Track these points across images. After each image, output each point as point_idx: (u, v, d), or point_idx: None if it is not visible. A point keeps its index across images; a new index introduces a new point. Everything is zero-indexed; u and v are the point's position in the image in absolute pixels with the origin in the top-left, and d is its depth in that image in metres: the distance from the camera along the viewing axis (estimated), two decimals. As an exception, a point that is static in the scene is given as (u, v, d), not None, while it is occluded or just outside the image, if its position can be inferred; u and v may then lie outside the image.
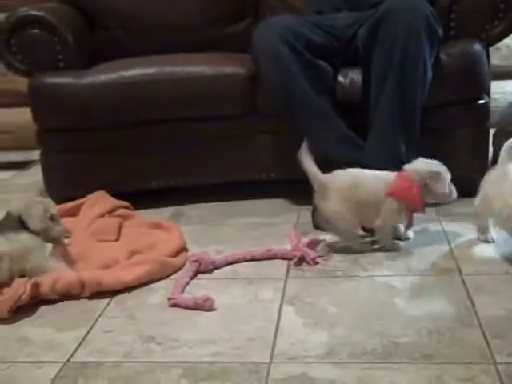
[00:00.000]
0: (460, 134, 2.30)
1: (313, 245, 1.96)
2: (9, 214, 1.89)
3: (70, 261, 1.94)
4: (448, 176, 1.94)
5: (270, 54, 2.21)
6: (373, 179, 1.95)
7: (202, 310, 1.68)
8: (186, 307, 1.70)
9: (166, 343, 1.55)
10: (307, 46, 2.20)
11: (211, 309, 1.69)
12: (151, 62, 2.50)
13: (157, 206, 2.49)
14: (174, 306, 1.72)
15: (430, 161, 1.95)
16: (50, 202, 1.97)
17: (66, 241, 2.16)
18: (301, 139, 2.26)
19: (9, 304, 1.70)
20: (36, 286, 1.76)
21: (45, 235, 1.90)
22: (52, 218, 1.91)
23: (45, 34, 2.47)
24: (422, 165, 1.94)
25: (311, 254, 1.91)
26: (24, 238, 1.85)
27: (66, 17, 2.62)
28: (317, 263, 1.91)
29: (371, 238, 2.04)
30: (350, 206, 1.92)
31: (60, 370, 1.47)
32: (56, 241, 1.95)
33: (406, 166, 1.95)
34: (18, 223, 1.87)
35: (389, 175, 1.96)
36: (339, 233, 2.00)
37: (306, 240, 1.97)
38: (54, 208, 1.96)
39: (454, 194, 1.96)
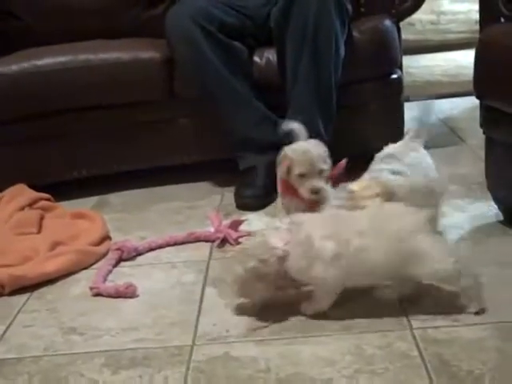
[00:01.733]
0: (374, 109, 2.34)
1: (235, 225, 1.97)
2: None
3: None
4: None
5: (183, 37, 2.20)
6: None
7: (125, 297, 1.67)
8: (109, 296, 1.69)
9: (88, 333, 1.54)
10: (220, 28, 2.20)
11: (133, 295, 1.68)
12: (65, 49, 2.45)
13: (80, 196, 2.45)
14: (97, 295, 1.70)
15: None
16: None
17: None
18: (218, 122, 2.28)
19: None
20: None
21: None
22: None
23: (-49, 24, 2.39)
24: None
25: (233, 234, 1.92)
26: None
27: (-27, 5, 2.53)
28: (239, 243, 1.92)
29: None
30: None
31: (-21, 368, 1.44)
32: None
33: None
34: None
35: None
36: None
37: (227, 221, 1.98)
38: None
39: None
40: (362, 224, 1.43)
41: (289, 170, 1.85)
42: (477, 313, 1.44)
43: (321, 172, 1.84)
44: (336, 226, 1.44)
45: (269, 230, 1.54)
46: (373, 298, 1.55)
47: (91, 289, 1.72)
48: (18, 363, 1.44)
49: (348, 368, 1.31)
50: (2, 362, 1.45)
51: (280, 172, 1.90)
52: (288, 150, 1.86)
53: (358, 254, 1.40)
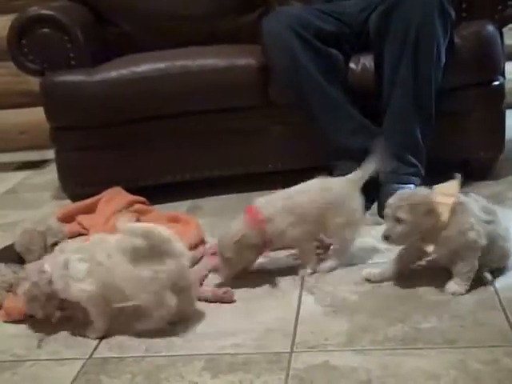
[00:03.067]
0: (475, 117, 2.26)
1: None
2: (11, 248, 1.91)
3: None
4: None
5: (280, 45, 2.20)
6: None
7: (222, 302, 1.68)
8: (206, 300, 1.69)
9: (186, 336, 1.55)
10: (317, 35, 2.19)
11: (231, 300, 1.68)
12: (162, 56, 2.50)
13: (173, 200, 2.49)
14: None
15: None
16: (54, 229, 1.95)
17: (83, 238, 2.18)
18: (314, 129, 2.26)
19: (21, 306, 1.70)
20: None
21: None
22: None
23: (55, 32, 2.48)
24: None
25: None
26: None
27: (75, 14, 2.62)
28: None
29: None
30: None
31: (82, 366, 1.48)
32: None
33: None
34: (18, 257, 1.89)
35: None
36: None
37: None
38: (60, 234, 1.93)
39: None
40: (110, 247, 1.56)
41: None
42: None
43: None
44: (91, 250, 1.58)
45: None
46: (478, 312, 1.50)
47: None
48: (120, 362, 1.47)
49: (454, 383, 1.27)
50: (106, 361, 1.48)
51: None
52: None
53: (108, 272, 1.53)
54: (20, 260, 1.90)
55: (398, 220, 1.58)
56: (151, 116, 2.44)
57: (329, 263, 1.81)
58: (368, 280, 1.70)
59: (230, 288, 1.71)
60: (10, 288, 1.80)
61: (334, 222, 1.77)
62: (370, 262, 1.83)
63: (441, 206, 1.57)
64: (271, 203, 1.78)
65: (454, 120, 2.24)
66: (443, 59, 2.09)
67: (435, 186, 1.63)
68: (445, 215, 1.57)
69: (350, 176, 1.82)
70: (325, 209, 1.76)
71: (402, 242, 1.63)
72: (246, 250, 1.75)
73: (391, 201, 1.61)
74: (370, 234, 1.99)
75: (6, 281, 1.81)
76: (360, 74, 2.27)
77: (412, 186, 2.11)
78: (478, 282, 1.62)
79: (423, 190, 1.63)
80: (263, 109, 2.41)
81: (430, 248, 1.61)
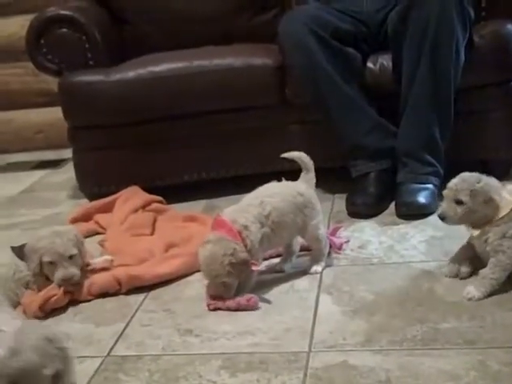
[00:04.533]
0: (495, 116, 2.24)
1: (335, 232, 1.95)
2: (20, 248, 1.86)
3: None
4: None
5: (296, 45, 2.19)
6: None
7: (246, 310, 1.63)
8: (228, 309, 1.65)
9: (204, 335, 1.55)
10: (334, 34, 2.18)
11: (256, 307, 1.63)
12: (179, 56, 2.50)
13: (189, 200, 2.50)
14: (215, 309, 1.66)
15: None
16: (74, 240, 1.84)
17: (101, 237, 2.19)
18: (330, 129, 2.25)
19: (39, 302, 1.72)
20: (69, 293, 1.79)
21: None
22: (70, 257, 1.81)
23: (73, 32, 2.50)
24: None
25: (337, 241, 1.90)
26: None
27: (93, 15, 2.63)
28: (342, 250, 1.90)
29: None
30: None
31: (100, 364, 1.49)
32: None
33: None
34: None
35: None
36: None
37: (328, 230, 1.96)
38: (79, 246, 1.84)
39: None
40: None
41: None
42: None
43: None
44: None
45: None
46: (497, 313, 1.48)
47: (208, 305, 1.67)
48: (138, 360, 1.48)
49: (473, 384, 1.26)
50: (124, 359, 1.49)
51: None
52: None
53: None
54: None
55: (458, 202, 1.58)
56: (168, 116, 2.44)
57: (317, 267, 1.80)
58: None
59: (253, 295, 1.66)
60: (27, 285, 1.81)
61: (310, 224, 1.76)
62: (388, 261, 1.82)
63: (504, 200, 1.56)
64: (242, 212, 1.69)
65: (472, 120, 2.23)
66: (462, 58, 2.08)
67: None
68: (503, 211, 1.56)
69: (305, 178, 1.83)
70: (300, 212, 1.75)
71: (457, 223, 1.62)
72: (242, 265, 1.62)
73: (454, 182, 1.60)
74: (387, 234, 1.98)
75: (23, 277, 1.82)
76: (378, 74, 2.26)
77: (430, 185, 2.10)
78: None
79: (490, 179, 1.60)
80: (280, 108, 2.40)
81: (475, 232, 1.61)
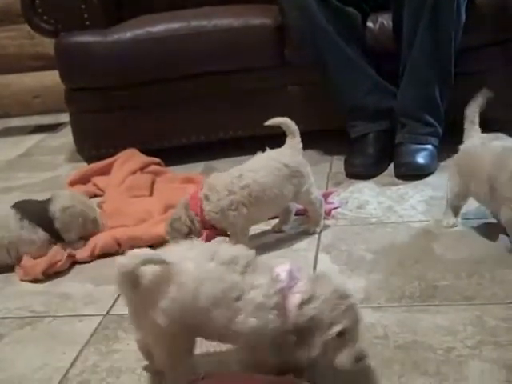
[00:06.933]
0: (496, 77, 2.22)
1: (326, 197, 1.93)
2: (45, 210, 1.86)
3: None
4: None
5: (297, 5, 2.16)
6: None
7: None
8: None
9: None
10: (334, -7, 2.15)
11: None
12: (177, 16, 2.47)
13: (187, 162, 2.49)
14: None
15: None
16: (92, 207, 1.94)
17: (99, 199, 2.19)
18: (330, 89, 2.23)
19: (43, 266, 1.73)
20: (72, 256, 1.80)
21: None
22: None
23: (69, -7, 2.46)
24: None
25: (326, 207, 1.87)
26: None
27: (90, -26, 2.59)
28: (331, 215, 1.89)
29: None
30: None
31: (100, 322, 1.49)
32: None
33: None
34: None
35: None
36: None
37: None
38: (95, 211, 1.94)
39: None
40: None
41: None
42: None
43: None
44: None
45: None
46: (496, 270, 1.49)
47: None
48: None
49: (471, 339, 1.27)
50: (123, 317, 1.48)
51: None
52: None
53: None
54: (54, 233, 1.86)
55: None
56: (166, 77, 2.42)
57: (316, 228, 1.80)
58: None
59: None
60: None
61: (301, 191, 1.75)
62: (387, 221, 1.82)
63: None
64: (217, 179, 1.70)
65: (471, 80, 2.19)
66: (463, 18, 2.05)
67: None
68: None
69: (291, 143, 1.79)
70: (289, 184, 1.72)
71: None
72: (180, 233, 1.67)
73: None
74: (386, 194, 1.98)
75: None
76: (378, 33, 2.25)
77: (429, 146, 2.10)
78: (495, 240, 1.62)
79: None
80: (279, 69, 2.39)
81: None
